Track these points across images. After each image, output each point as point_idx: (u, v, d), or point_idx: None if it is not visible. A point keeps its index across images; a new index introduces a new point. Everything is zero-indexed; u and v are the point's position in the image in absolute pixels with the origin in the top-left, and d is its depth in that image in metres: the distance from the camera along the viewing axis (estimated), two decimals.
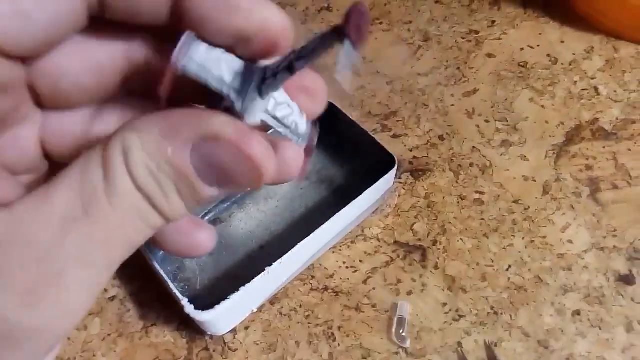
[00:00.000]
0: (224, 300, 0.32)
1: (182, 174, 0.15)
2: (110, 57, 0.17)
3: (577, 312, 0.35)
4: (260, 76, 0.15)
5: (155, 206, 0.15)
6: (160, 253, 0.39)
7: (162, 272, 0.33)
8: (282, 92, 0.16)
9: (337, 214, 0.35)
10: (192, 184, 0.15)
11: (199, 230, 0.19)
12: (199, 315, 0.32)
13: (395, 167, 0.37)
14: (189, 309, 0.32)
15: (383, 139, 0.43)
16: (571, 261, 0.36)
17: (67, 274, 0.14)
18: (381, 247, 0.39)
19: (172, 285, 0.33)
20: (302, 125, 0.17)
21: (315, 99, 0.18)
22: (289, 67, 0.15)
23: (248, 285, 0.33)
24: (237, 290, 0.32)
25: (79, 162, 0.15)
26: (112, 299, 0.38)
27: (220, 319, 0.33)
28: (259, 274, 0.33)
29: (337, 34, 0.14)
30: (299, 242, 0.34)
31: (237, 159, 0.15)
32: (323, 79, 0.19)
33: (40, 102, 0.17)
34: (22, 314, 0.14)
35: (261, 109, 0.16)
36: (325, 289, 0.37)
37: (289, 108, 0.17)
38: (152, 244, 0.19)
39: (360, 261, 0.38)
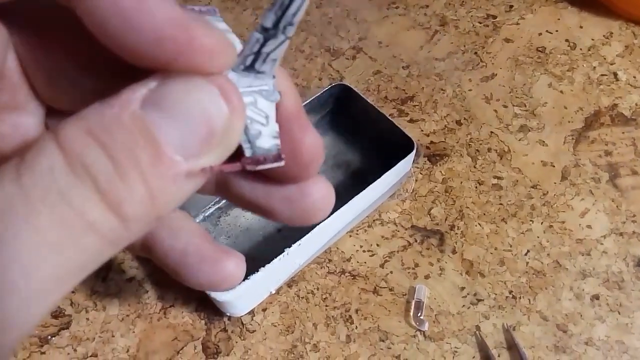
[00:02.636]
0: (243, 280, 0.32)
1: (139, 131, 0.11)
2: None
3: (596, 297, 0.35)
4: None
5: (103, 192, 0.11)
6: None
7: None
8: (272, 106, 0.15)
9: (354, 197, 0.35)
10: (156, 143, 0.11)
11: (227, 259, 0.16)
12: (220, 296, 0.32)
13: (414, 151, 0.37)
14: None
15: (400, 123, 0.43)
16: (590, 246, 0.36)
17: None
18: (398, 231, 0.39)
19: None
20: (266, 141, 0.15)
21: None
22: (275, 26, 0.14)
23: (268, 266, 0.33)
24: (257, 271, 0.33)
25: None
26: (131, 280, 0.38)
27: (240, 299, 0.34)
28: (277, 255, 0.33)
29: None
30: (317, 225, 0.34)
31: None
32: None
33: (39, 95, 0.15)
34: None
35: (244, 84, 0.14)
36: (343, 272, 0.37)
37: (264, 119, 0.15)
38: (173, 275, 0.17)
39: (378, 245, 0.38)
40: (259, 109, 0.15)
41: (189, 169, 0.12)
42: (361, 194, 0.35)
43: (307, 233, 0.34)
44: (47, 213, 0.11)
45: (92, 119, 0.11)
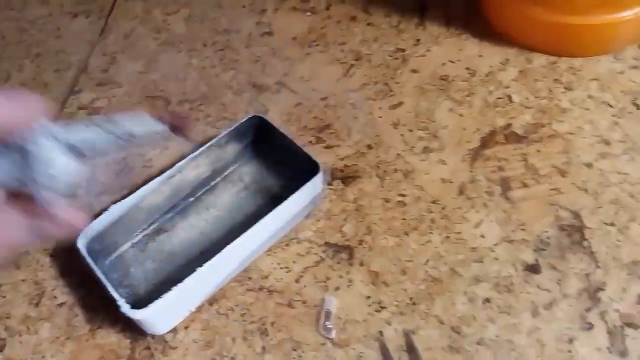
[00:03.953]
0: (158, 299, 0.35)
1: None
2: None
3: (488, 300, 0.38)
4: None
5: None
6: (107, 261, 0.42)
7: (99, 274, 0.36)
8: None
9: (263, 217, 0.38)
10: None
11: None
12: (134, 314, 0.35)
13: (320, 174, 0.41)
14: (124, 307, 0.35)
15: (317, 149, 0.47)
16: (483, 254, 0.40)
17: None
18: (312, 248, 0.42)
19: (109, 286, 0.35)
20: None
21: None
22: None
23: (180, 284, 0.36)
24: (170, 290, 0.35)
25: None
26: (62, 305, 0.40)
27: (156, 317, 0.36)
28: None
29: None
30: (229, 244, 0.37)
31: None
32: None
33: None
34: None
35: None
36: (261, 288, 0.40)
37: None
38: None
39: (294, 262, 0.41)
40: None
41: None
42: (270, 213, 0.39)
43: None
44: None
45: None
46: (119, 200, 0.41)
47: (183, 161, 0.43)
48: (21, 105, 0.20)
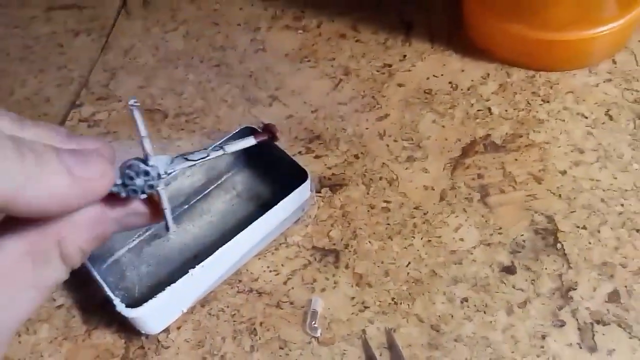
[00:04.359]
0: (152, 299, 0.37)
1: None
2: None
3: (465, 299, 0.40)
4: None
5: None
6: (104, 266, 0.44)
7: (97, 276, 0.38)
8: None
9: (254, 222, 0.41)
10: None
11: None
12: (129, 312, 0.37)
13: (308, 181, 0.43)
14: (120, 307, 0.37)
15: (307, 159, 0.50)
16: (462, 256, 0.42)
17: None
18: (301, 252, 0.44)
19: (105, 287, 0.37)
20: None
21: None
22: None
23: (173, 285, 0.38)
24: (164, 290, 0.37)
25: None
26: (60, 307, 0.42)
27: (150, 316, 0.38)
28: None
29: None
30: (220, 247, 0.39)
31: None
32: None
33: None
34: None
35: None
36: (250, 290, 0.42)
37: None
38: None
39: (282, 265, 0.43)
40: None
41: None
42: (260, 219, 0.41)
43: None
44: None
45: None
46: None
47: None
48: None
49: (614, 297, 0.38)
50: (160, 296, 0.37)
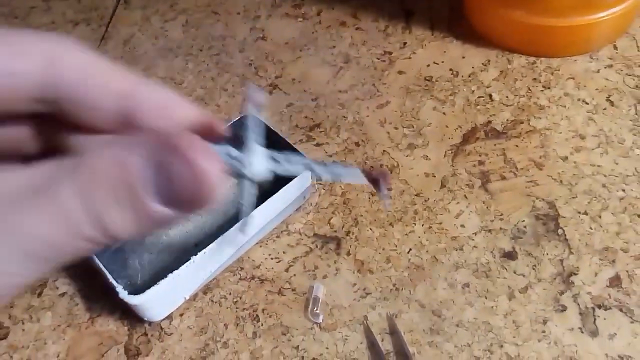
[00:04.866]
0: (153, 286, 0.37)
1: (128, 183, 0.15)
2: None
3: (467, 285, 0.40)
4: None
5: (93, 216, 0.15)
6: (107, 254, 0.44)
7: (100, 263, 0.38)
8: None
9: (255, 210, 0.41)
10: (137, 195, 0.15)
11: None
12: (132, 300, 0.37)
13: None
14: (123, 294, 0.37)
15: (307, 147, 0.49)
16: (463, 242, 0.42)
17: None
18: (302, 239, 0.44)
19: (108, 274, 0.38)
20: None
21: None
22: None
23: (175, 272, 0.38)
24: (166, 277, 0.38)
25: (55, 162, 0.16)
26: (63, 294, 0.42)
27: (152, 303, 0.38)
28: None
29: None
30: (221, 234, 0.40)
31: (190, 172, 0.15)
32: None
33: None
34: None
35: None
36: (252, 277, 0.42)
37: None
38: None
39: (284, 252, 0.43)
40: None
41: (161, 215, 0.16)
42: (261, 206, 0.41)
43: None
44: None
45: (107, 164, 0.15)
46: None
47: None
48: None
49: (615, 282, 0.38)
50: (163, 283, 0.37)
